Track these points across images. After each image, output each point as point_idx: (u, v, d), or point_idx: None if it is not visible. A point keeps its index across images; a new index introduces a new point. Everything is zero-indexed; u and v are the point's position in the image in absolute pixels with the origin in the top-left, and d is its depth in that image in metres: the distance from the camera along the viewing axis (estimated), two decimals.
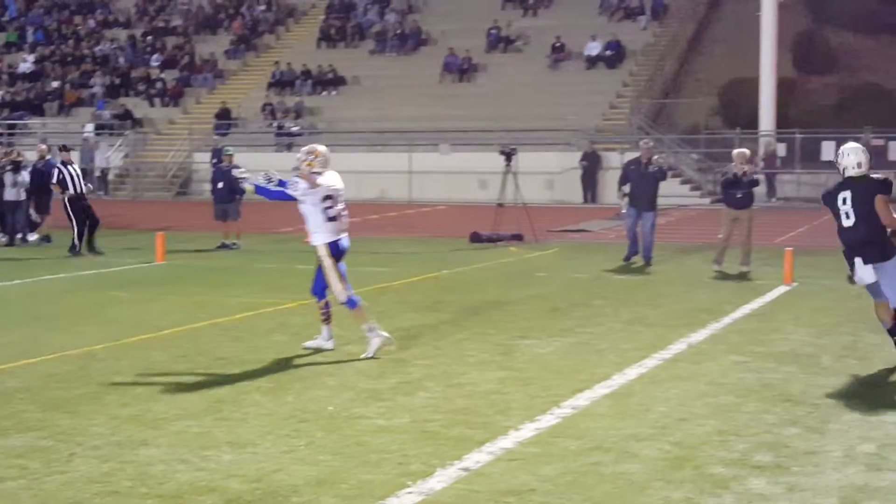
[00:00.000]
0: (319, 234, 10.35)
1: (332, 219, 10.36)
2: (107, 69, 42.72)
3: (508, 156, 21.90)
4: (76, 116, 40.42)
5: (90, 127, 38.18)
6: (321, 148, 10.72)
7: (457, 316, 12.72)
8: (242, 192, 21.05)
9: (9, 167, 21.66)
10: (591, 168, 32.52)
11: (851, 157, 9.79)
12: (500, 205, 21.74)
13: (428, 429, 7.61)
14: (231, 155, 21.58)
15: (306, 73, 40.00)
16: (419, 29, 41.67)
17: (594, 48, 38.31)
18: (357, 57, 41.46)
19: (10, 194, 21.32)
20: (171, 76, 41.76)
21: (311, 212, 10.34)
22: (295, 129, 37.07)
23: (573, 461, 6.82)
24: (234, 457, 6.94)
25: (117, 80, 41.86)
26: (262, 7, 45.39)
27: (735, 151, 17.49)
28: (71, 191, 19.81)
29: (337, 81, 39.64)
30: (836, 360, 10.11)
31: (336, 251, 10.40)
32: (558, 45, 38.63)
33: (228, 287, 15.53)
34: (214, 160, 29.56)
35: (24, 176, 21.41)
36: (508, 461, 6.84)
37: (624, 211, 18.34)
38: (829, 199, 9.86)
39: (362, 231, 24.32)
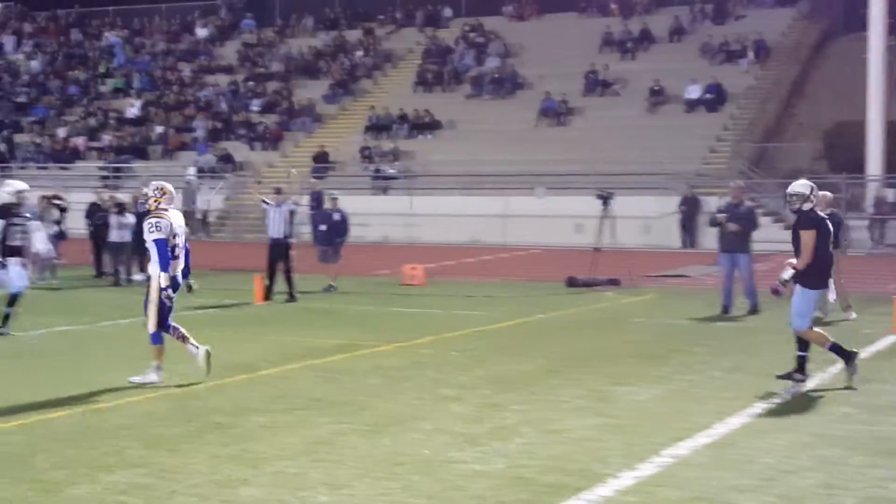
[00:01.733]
0: (164, 267, 10.91)
1: (175, 256, 10.99)
2: (209, 114, 43.64)
3: (605, 200, 21.75)
4: (179, 160, 41.27)
5: (192, 170, 38.95)
6: (168, 185, 11.32)
7: (552, 361, 12.60)
8: (345, 233, 21.51)
9: (114, 209, 22.20)
10: (689, 212, 32.16)
11: None
12: (596, 249, 21.57)
13: (524, 475, 7.52)
14: (335, 199, 21.84)
15: (403, 118, 40.38)
16: (516, 73, 41.82)
17: (694, 91, 38.01)
18: (453, 101, 41.73)
19: (115, 236, 21.82)
20: (270, 120, 42.49)
21: (160, 247, 10.87)
22: (391, 172, 37.38)
23: None
24: (330, 498, 6.93)
25: (219, 125, 42.72)
26: (361, 52, 46.02)
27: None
28: None
29: (433, 125, 39.93)
30: None
31: (175, 286, 11.02)
32: (657, 88, 38.42)
33: (325, 329, 15.62)
34: (314, 203, 29.98)
35: (129, 218, 21.89)
36: None
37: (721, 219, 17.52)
38: None
39: (457, 274, 24.37)
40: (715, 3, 43.35)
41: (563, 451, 8.20)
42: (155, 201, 11.11)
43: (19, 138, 44.37)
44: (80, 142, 42.95)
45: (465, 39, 45.09)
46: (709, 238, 30.93)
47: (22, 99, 47.61)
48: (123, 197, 23.70)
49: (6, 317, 14.41)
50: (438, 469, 7.67)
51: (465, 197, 34.93)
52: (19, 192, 14.68)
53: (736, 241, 17.10)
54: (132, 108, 44.94)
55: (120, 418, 9.32)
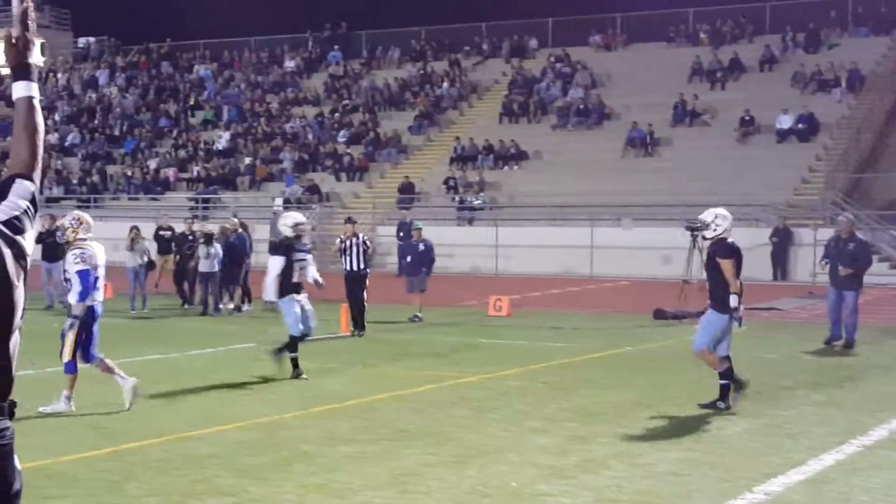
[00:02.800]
0: (83, 298, 10.99)
1: (96, 287, 11.11)
2: (296, 145, 44.17)
3: (694, 231, 21.45)
4: (266, 191, 41.80)
5: (279, 201, 39.39)
6: (86, 216, 11.49)
7: (640, 394, 12.44)
8: (430, 263, 21.57)
9: (202, 240, 22.53)
10: (781, 244, 31.62)
11: None
12: (685, 281, 21.28)
13: None
14: (420, 229, 21.92)
15: (488, 148, 40.42)
16: (602, 103, 41.67)
17: (786, 121, 37.46)
18: (539, 132, 41.67)
19: (204, 266, 22.12)
20: (356, 151, 42.84)
21: (83, 278, 10.97)
22: (476, 203, 37.42)
23: None
24: None
25: (305, 156, 43.20)
26: (447, 84, 46.26)
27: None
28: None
29: (519, 156, 39.90)
30: None
31: (93, 316, 11.18)
32: (747, 118, 37.95)
33: (410, 359, 15.63)
34: (401, 234, 30.16)
35: (217, 248, 22.19)
36: None
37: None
38: None
39: (542, 305, 24.25)
40: (807, 32, 42.75)
41: (652, 486, 8.07)
42: (73, 231, 11.24)
43: (112, 170, 45.32)
44: (170, 173, 43.74)
45: (552, 70, 45.08)
46: (801, 270, 30.45)
47: (115, 131, 48.67)
48: (211, 227, 24.07)
49: (295, 361, 13.52)
50: (525, 502, 7.60)
51: (551, 228, 34.80)
52: (298, 224, 14.00)
53: (847, 279, 16.74)
54: (221, 140, 45.68)
55: (210, 447, 9.40)
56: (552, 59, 45.80)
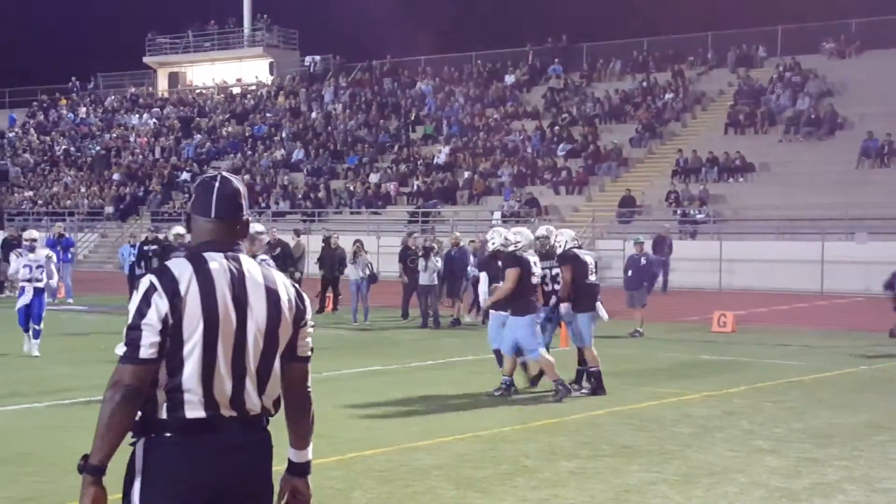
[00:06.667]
0: None
1: None
2: (515, 159, 44.34)
3: None
4: (484, 205, 42.11)
5: (497, 215, 39.62)
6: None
7: (878, 416, 11.80)
8: (652, 278, 21.22)
9: (421, 253, 22.81)
10: None
11: None
12: None
13: None
14: (641, 243, 21.65)
15: (712, 160, 39.50)
16: (835, 113, 40.07)
17: None
18: (766, 143, 40.45)
19: (424, 279, 22.40)
20: (576, 165, 42.65)
21: None
22: (699, 216, 36.61)
23: None
24: None
25: (525, 170, 43.30)
26: (670, 95, 45.53)
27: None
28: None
29: (744, 168, 38.82)
30: None
31: None
32: None
33: (631, 375, 15.34)
34: (662, 247, 30.34)
35: (436, 261, 22.43)
36: None
37: None
38: None
39: (769, 322, 23.45)
40: None
41: None
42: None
43: (335, 184, 46.66)
44: (391, 187, 44.67)
45: (781, 79, 43.71)
46: None
47: (338, 147, 50.10)
48: (430, 241, 24.34)
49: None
50: None
51: (779, 242, 33.68)
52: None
53: None
54: (440, 154, 46.32)
55: (432, 458, 9.44)
56: (781, 67, 44.42)
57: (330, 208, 44.54)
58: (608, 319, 14.88)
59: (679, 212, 37.39)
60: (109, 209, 48.51)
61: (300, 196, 45.70)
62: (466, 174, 44.04)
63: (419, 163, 46.28)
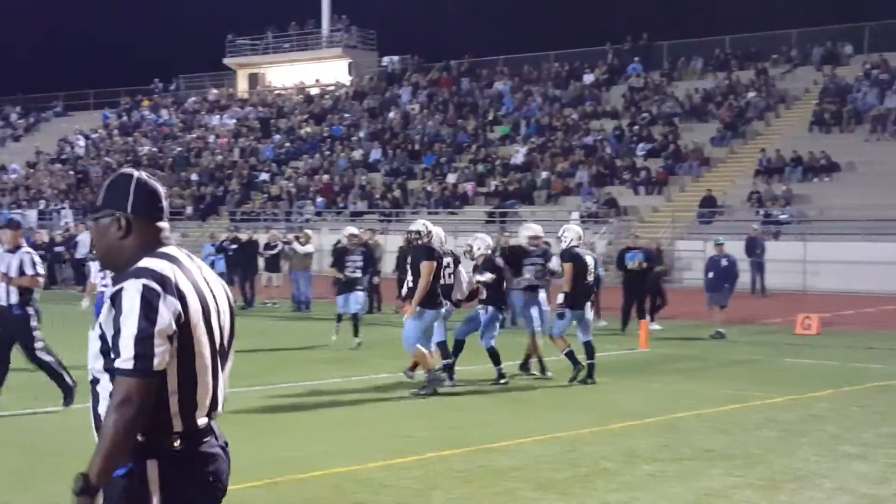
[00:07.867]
0: None
1: None
2: (593, 159, 43.99)
3: None
4: (562, 205, 41.80)
5: (575, 215, 39.35)
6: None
7: None
8: (734, 279, 20.87)
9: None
10: None
11: None
12: None
13: None
14: (721, 244, 21.28)
15: (796, 160, 38.81)
16: None
17: None
18: (852, 142, 39.63)
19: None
20: (655, 165, 42.19)
21: None
22: (783, 217, 36.00)
23: None
24: None
25: (603, 170, 42.94)
26: (753, 93, 44.84)
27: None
28: None
29: (830, 168, 38.08)
30: None
31: None
32: None
33: (712, 378, 15.11)
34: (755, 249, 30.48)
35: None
36: None
37: None
38: None
39: (855, 324, 22.97)
40: None
41: None
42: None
43: (412, 184, 46.69)
44: (468, 187, 44.58)
45: (867, 77, 42.81)
46: None
47: (415, 147, 50.17)
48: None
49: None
50: None
51: (865, 243, 32.96)
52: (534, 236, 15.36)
53: None
54: (518, 155, 46.14)
55: (511, 459, 9.37)
56: (868, 65, 43.53)
57: (407, 208, 44.62)
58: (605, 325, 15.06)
59: (762, 212, 36.79)
60: (189, 209, 49.14)
61: (378, 196, 45.85)
62: (544, 174, 43.82)
63: (496, 163, 46.14)
